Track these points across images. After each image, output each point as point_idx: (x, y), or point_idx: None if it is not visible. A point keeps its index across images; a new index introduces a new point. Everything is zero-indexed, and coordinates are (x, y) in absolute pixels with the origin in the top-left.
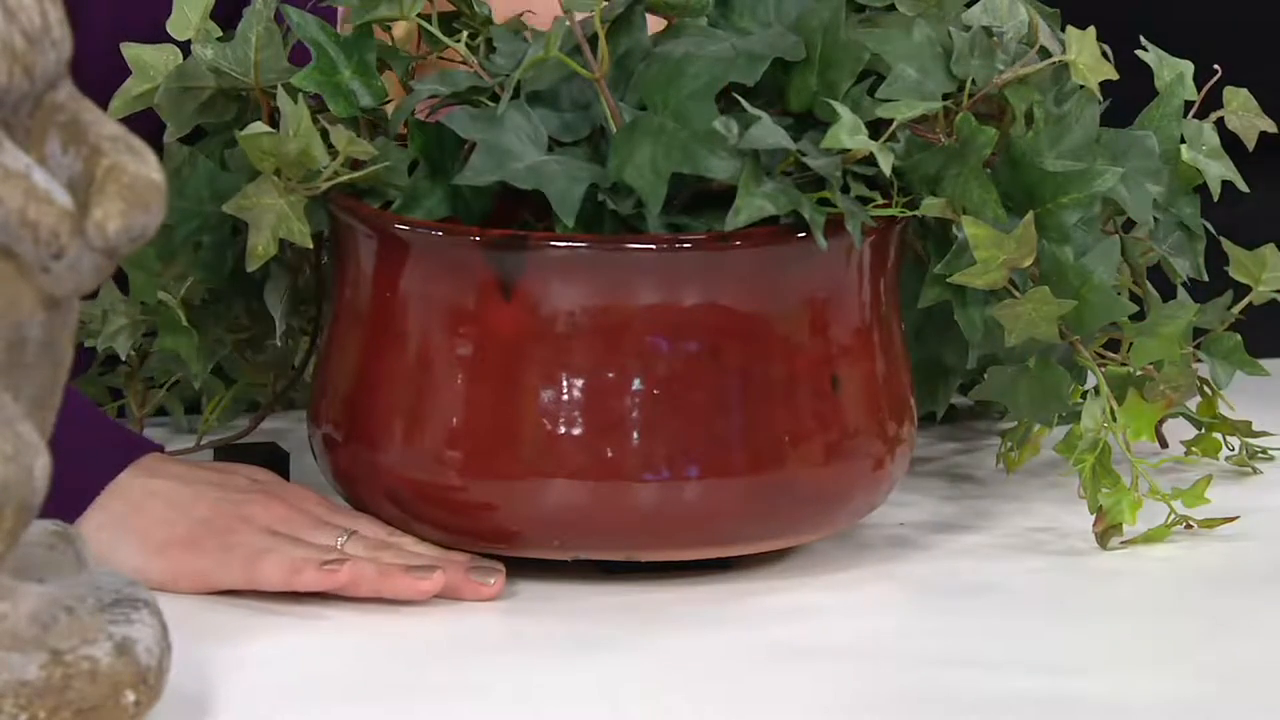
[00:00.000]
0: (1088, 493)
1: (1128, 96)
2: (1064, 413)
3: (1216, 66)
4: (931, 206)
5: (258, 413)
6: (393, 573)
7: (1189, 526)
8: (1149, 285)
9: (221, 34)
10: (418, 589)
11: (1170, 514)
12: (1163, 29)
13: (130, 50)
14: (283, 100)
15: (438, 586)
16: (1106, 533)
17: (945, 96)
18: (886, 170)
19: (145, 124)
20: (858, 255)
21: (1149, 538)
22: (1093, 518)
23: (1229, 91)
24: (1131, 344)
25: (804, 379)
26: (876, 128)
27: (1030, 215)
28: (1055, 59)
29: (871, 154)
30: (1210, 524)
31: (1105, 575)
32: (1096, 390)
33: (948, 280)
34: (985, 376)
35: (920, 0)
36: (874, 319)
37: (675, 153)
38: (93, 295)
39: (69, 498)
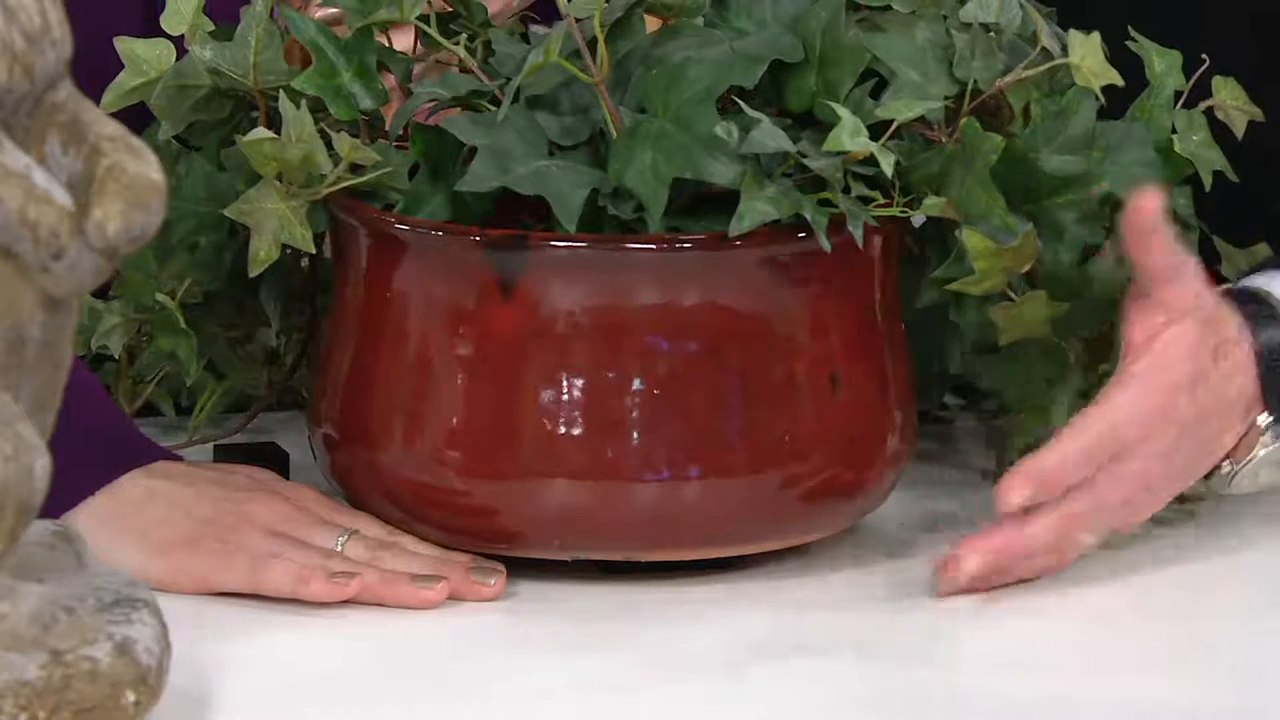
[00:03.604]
0: None
1: (1117, 89)
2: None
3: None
4: (932, 206)
5: (250, 410)
6: (398, 582)
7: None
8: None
9: (214, 28)
10: (422, 599)
11: None
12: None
13: (123, 44)
14: (285, 106)
15: (442, 597)
16: None
17: (947, 97)
18: (888, 171)
19: (127, 115)
20: (858, 255)
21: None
22: None
23: (1217, 80)
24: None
25: (804, 379)
26: (876, 127)
27: (1031, 227)
28: (1058, 61)
29: (872, 154)
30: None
31: (1105, 574)
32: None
33: (946, 287)
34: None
35: None
36: (874, 318)
37: (676, 157)
38: None
39: (70, 495)
